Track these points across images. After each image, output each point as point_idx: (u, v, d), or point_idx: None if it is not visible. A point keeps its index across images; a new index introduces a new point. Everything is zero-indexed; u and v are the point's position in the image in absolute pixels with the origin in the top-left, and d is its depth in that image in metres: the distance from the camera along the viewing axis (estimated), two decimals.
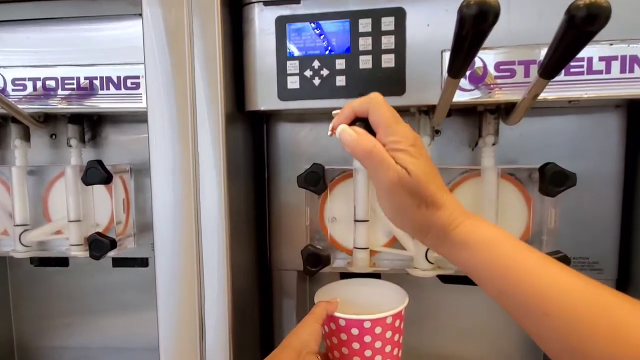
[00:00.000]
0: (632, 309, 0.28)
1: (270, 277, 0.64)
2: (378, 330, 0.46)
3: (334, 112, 0.39)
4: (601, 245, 0.55)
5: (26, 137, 0.60)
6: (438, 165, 0.52)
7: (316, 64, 0.46)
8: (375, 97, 0.35)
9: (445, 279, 0.58)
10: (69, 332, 0.74)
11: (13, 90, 0.53)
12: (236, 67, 0.51)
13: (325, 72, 0.46)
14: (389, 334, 0.47)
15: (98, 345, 0.73)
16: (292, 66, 0.46)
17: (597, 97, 0.44)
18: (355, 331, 0.46)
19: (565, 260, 0.48)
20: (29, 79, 0.52)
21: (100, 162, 0.55)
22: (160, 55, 0.45)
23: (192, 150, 0.46)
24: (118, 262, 0.70)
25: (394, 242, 0.55)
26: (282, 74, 0.47)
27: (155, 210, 0.48)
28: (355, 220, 0.52)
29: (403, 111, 0.55)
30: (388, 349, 0.48)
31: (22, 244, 0.60)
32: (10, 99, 0.52)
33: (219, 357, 0.49)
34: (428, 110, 0.50)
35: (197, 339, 0.49)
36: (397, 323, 0.48)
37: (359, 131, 0.35)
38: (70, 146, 0.60)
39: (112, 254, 0.59)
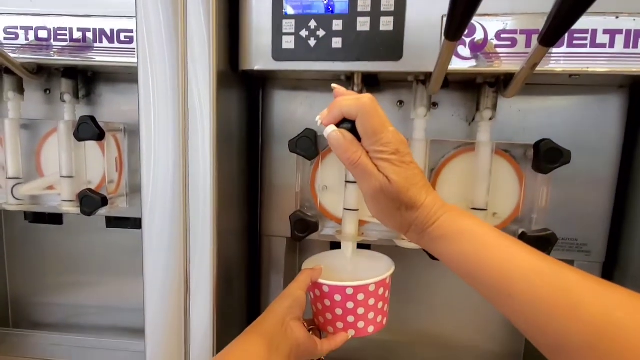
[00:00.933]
0: (592, 286, 0.29)
1: (259, 243, 0.64)
2: (360, 297, 0.47)
3: (333, 84, 0.39)
4: (591, 227, 0.55)
5: (20, 89, 0.59)
6: (432, 138, 0.53)
7: (312, 23, 0.45)
8: (365, 102, 0.35)
9: (432, 255, 0.58)
10: (61, 290, 0.75)
11: (5, 39, 0.52)
12: (232, 25, 0.49)
13: (321, 32, 0.45)
14: (372, 301, 0.47)
15: (89, 304, 0.75)
16: (288, 25, 0.45)
17: (600, 71, 0.43)
18: (338, 297, 0.47)
19: (552, 238, 0.48)
20: (22, 28, 0.51)
21: (92, 118, 0.55)
22: (153, 8, 0.44)
23: (181, 108, 0.46)
24: (112, 223, 0.70)
25: None
26: (277, 33, 0.46)
27: (143, 168, 0.48)
28: (346, 182, 0.51)
29: (400, 80, 0.54)
30: (371, 315, 0.48)
31: (14, 197, 0.60)
32: (3, 48, 0.51)
33: (203, 318, 0.50)
34: (425, 80, 0.49)
35: (181, 300, 0.50)
36: (380, 291, 0.48)
37: (347, 137, 0.36)
38: (63, 101, 0.59)
39: (103, 211, 0.59)
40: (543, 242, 0.48)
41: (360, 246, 0.57)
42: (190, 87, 0.45)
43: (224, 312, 0.53)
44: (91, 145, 0.60)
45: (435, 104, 0.55)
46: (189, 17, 0.44)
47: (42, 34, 0.51)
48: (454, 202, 0.54)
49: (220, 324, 0.51)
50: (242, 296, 0.62)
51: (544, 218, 0.51)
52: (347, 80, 0.52)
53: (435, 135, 0.54)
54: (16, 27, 0.51)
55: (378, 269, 0.51)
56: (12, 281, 0.76)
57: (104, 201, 0.57)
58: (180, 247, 0.49)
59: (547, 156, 0.46)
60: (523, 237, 0.50)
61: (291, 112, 0.59)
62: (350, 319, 0.48)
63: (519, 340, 0.65)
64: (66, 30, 0.51)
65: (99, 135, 0.55)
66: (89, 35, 0.51)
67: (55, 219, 0.71)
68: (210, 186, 0.48)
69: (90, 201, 0.57)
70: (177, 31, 0.44)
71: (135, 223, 0.68)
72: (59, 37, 0.51)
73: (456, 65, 0.44)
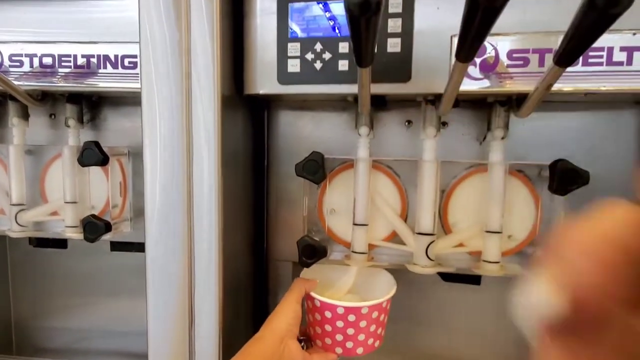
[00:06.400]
0: None
1: (266, 267, 0.62)
2: (351, 317, 0.45)
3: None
4: None
5: (24, 115, 0.59)
6: (443, 159, 0.51)
7: (318, 46, 0.44)
8: None
9: (446, 276, 0.56)
10: (65, 314, 0.74)
11: (10, 66, 0.52)
12: (237, 49, 0.49)
13: (327, 55, 0.44)
14: (363, 324, 0.46)
15: (94, 327, 0.73)
16: (293, 48, 0.44)
17: (616, 90, 0.41)
18: (328, 314, 0.46)
19: None
20: (26, 55, 0.51)
21: (97, 144, 0.54)
22: (156, 34, 0.44)
23: (186, 133, 0.45)
24: (116, 246, 0.69)
25: (393, 237, 0.53)
26: (282, 56, 0.45)
27: (146, 194, 0.47)
28: (354, 224, 0.50)
29: (408, 100, 0.53)
30: (361, 337, 0.46)
31: (18, 224, 0.59)
32: (8, 76, 0.51)
33: (208, 344, 0.48)
34: (435, 100, 0.48)
35: (186, 325, 0.48)
36: (374, 314, 0.46)
37: None
38: (68, 126, 0.59)
39: (107, 237, 0.58)
40: None
41: None
42: (194, 113, 0.44)
43: (229, 338, 0.51)
44: (95, 169, 0.60)
45: (444, 123, 0.54)
46: (193, 43, 0.44)
47: (47, 61, 0.51)
48: (468, 224, 0.52)
49: (226, 350, 0.50)
50: (248, 321, 0.60)
51: None
52: (355, 101, 0.51)
53: (445, 156, 0.53)
54: (21, 55, 0.51)
55: (379, 289, 0.49)
56: (16, 305, 0.75)
57: (107, 227, 0.56)
58: (185, 272, 0.48)
59: (564, 178, 0.44)
60: None
61: (297, 132, 0.58)
62: (339, 337, 0.46)
63: None
64: (70, 57, 0.51)
65: (103, 161, 0.55)
66: (93, 61, 0.51)
67: (60, 243, 0.70)
68: (215, 209, 0.46)
69: (94, 227, 0.55)
70: (181, 57, 0.44)
71: (139, 247, 0.67)
72: (63, 63, 0.51)
73: (467, 86, 0.42)
